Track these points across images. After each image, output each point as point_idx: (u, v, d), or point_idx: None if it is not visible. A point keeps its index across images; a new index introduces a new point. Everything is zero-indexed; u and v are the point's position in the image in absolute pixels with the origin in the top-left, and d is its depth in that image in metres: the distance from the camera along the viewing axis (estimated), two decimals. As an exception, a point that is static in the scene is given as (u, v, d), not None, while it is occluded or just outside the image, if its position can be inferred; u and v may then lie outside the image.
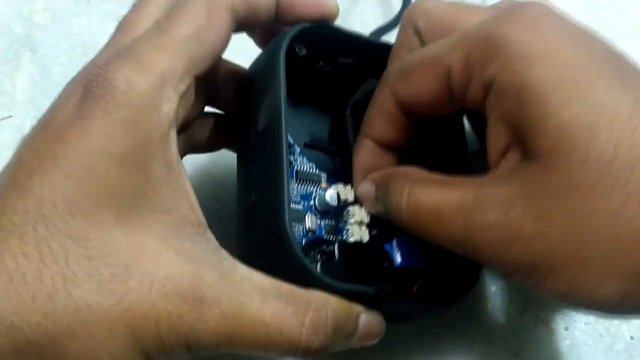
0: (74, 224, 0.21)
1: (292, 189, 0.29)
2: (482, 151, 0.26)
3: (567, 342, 0.34)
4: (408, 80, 0.27)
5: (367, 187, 0.28)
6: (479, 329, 0.34)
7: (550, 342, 0.34)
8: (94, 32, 0.40)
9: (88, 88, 0.23)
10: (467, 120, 0.32)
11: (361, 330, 0.26)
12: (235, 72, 0.31)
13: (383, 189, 0.27)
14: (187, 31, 0.24)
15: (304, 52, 0.29)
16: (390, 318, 0.27)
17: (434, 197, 0.25)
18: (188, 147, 0.30)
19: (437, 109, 0.27)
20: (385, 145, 0.29)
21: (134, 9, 0.26)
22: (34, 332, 0.20)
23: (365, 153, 0.29)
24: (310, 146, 0.31)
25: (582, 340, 0.34)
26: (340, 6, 0.30)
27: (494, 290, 0.35)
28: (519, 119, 0.23)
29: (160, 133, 0.23)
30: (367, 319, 0.26)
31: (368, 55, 0.31)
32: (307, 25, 0.28)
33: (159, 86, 0.23)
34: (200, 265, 0.23)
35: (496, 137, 0.24)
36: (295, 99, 0.30)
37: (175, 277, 0.22)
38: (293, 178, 0.29)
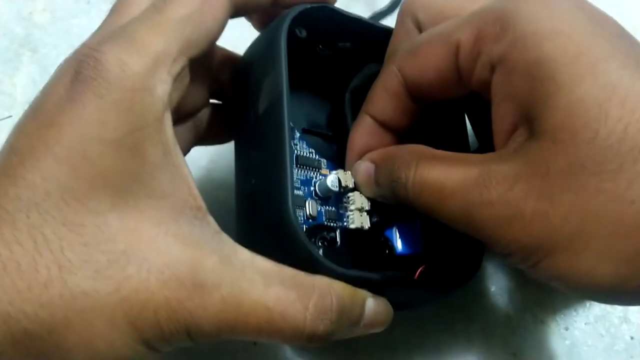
0: (68, 210, 0.21)
1: (294, 174, 0.28)
2: (482, 150, 0.26)
3: (567, 342, 0.34)
4: (416, 56, 0.26)
5: (365, 166, 0.27)
6: (479, 328, 0.34)
7: (550, 342, 0.34)
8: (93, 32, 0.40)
9: (79, 69, 0.22)
10: (468, 120, 0.32)
11: (367, 317, 0.25)
12: (230, 58, 0.31)
13: (388, 167, 0.26)
14: (183, 13, 0.24)
15: (304, 34, 0.29)
16: (394, 305, 0.27)
17: (439, 173, 0.24)
18: (196, 137, 0.30)
19: (443, 89, 0.27)
20: (385, 125, 0.28)
21: None
22: (31, 323, 0.20)
23: (364, 130, 0.28)
24: (308, 132, 0.31)
25: (582, 340, 0.34)
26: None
27: (493, 290, 0.35)
28: (529, 95, 0.22)
29: (155, 116, 0.23)
30: (373, 305, 0.25)
31: (368, 39, 0.30)
32: (308, 6, 0.28)
33: (153, 68, 0.23)
34: (199, 249, 0.22)
35: (502, 117, 0.24)
36: (294, 83, 0.29)
37: (173, 262, 0.21)
38: (293, 163, 0.28)
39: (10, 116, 0.37)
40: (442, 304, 0.34)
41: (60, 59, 0.39)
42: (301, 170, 0.29)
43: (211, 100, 0.31)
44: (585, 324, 0.35)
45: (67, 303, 0.20)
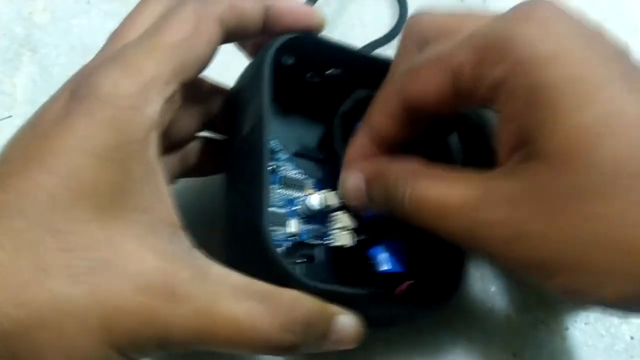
0: (53, 218, 0.22)
1: (277, 193, 0.29)
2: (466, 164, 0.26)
3: (567, 342, 0.34)
4: (415, 77, 0.27)
5: (355, 178, 0.28)
6: (479, 329, 0.34)
7: (550, 342, 0.34)
8: (94, 32, 0.40)
9: (75, 90, 0.24)
10: (458, 137, 0.32)
11: (337, 333, 0.25)
12: (218, 89, 0.32)
13: (382, 181, 0.27)
14: (175, 38, 0.25)
15: (290, 62, 0.30)
16: (370, 322, 0.27)
17: (438, 192, 0.25)
18: (183, 169, 0.31)
19: (441, 109, 0.27)
20: (382, 142, 0.29)
21: (124, 23, 0.27)
22: (7, 322, 0.20)
23: (360, 146, 0.29)
24: (300, 155, 0.32)
25: (582, 340, 0.34)
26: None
27: (493, 290, 0.35)
28: (528, 120, 0.23)
29: (142, 134, 0.24)
30: (344, 322, 0.26)
31: (356, 66, 0.32)
32: (293, 35, 0.29)
33: (144, 89, 0.24)
34: (174, 263, 0.23)
35: (506, 135, 0.24)
36: (286, 109, 0.32)
37: (149, 272, 0.22)
38: (278, 183, 0.30)
39: (10, 116, 0.37)
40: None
41: (61, 59, 0.40)
42: (286, 190, 0.30)
43: (201, 134, 0.32)
44: (586, 324, 0.35)
45: (43, 304, 0.21)
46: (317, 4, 0.40)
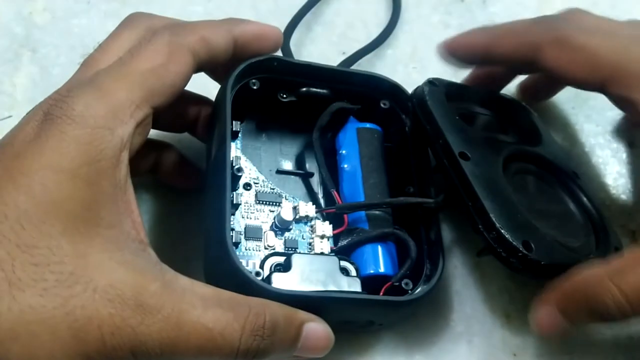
0: (23, 233, 0.23)
1: (253, 208, 0.31)
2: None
3: (567, 342, 0.34)
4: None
5: (544, 311, 0.29)
6: (479, 329, 0.34)
7: (550, 342, 0.34)
8: (94, 32, 0.40)
9: (48, 111, 0.25)
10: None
11: (305, 339, 0.26)
12: (201, 100, 0.34)
13: (578, 297, 0.28)
14: (147, 66, 0.27)
15: (257, 85, 0.32)
16: (345, 326, 0.29)
17: None
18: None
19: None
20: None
21: (99, 49, 0.28)
22: None
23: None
24: (281, 172, 0.34)
25: (582, 340, 0.34)
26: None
27: (494, 290, 0.35)
28: None
29: (112, 153, 0.25)
30: (312, 328, 0.26)
31: (327, 81, 0.33)
32: (253, 60, 0.31)
33: (116, 111, 0.25)
34: (143, 275, 0.24)
35: None
36: (265, 127, 0.34)
37: (118, 284, 0.23)
38: (254, 199, 0.32)
39: (10, 116, 0.37)
40: (442, 303, 0.34)
41: (61, 59, 0.40)
42: (262, 206, 0.32)
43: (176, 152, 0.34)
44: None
45: (15, 316, 0.22)
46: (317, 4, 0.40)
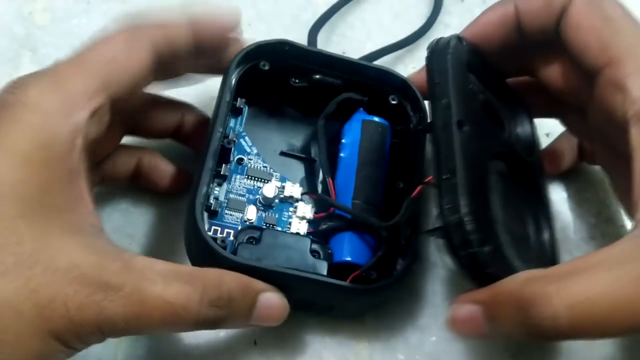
0: None
1: (242, 183, 0.33)
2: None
3: (564, 343, 0.34)
4: None
5: (468, 307, 0.26)
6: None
7: (548, 343, 0.34)
8: (93, 32, 0.40)
9: (4, 99, 0.25)
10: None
11: (260, 308, 0.27)
12: (183, 107, 0.35)
13: (510, 302, 0.24)
14: (105, 56, 0.27)
15: (267, 67, 0.33)
16: (303, 305, 0.30)
17: (602, 284, 0.22)
18: (100, 178, 0.32)
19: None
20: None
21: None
22: None
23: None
24: (285, 154, 0.35)
25: (581, 341, 0.34)
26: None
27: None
28: None
29: (67, 139, 0.25)
30: (267, 298, 0.28)
31: (340, 70, 0.34)
32: (262, 42, 0.33)
33: (71, 99, 0.26)
34: (102, 256, 0.24)
35: None
36: (277, 111, 0.35)
37: (80, 264, 0.23)
38: (245, 174, 0.33)
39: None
40: (443, 304, 0.34)
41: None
42: (250, 181, 0.33)
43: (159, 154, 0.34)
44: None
45: None
46: None
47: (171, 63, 0.30)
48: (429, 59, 0.30)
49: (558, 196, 0.38)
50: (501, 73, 0.34)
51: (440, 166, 0.26)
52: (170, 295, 0.25)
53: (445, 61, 0.29)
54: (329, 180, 0.33)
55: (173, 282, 0.25)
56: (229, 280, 0.27)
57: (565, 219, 0.38)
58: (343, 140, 0.34)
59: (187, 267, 0.26)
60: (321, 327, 0.33)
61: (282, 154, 0.35)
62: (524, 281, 0.24)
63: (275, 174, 0.34)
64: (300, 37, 0.36)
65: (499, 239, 0.26)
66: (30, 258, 0.23)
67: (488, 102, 0.31)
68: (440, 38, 0.30)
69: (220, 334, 0.33)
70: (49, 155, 0.25)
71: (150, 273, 0.25)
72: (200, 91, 0.38)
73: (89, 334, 0.24)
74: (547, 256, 0.31)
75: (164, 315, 0.24)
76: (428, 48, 0.30)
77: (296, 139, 0.35)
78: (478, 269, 0.25)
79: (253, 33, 0.42)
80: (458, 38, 0.30)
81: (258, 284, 0.28)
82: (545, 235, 0.32)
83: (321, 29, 0.38)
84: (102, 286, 0.23)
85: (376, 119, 0.34)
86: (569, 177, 0.38)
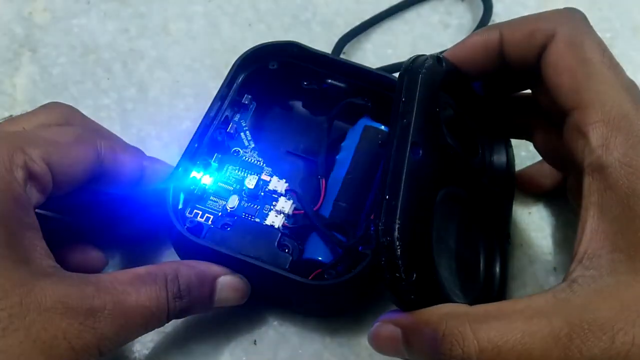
0: None
1: (233, 173, 0.34)
2: None
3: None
4: None
5: (390, 328, 0.26)
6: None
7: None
8: (94, 32, 0.40)
9: None
10: None
11: (219, 291, 0.29)
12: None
13: (426, 334, 0.24)
14: (52, 138, 0.28)
15: (275, 66, 0.35)
16: (265, 295, 0.32)
17: (514, 335, 0.22)
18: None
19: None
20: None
21: (10, 120, 0.30)
22: None
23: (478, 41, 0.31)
24: (292, 153, 0.36)
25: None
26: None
27: (494, 290, 0.35)
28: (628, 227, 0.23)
29: (12, 196, 0.26)
30: (224, 282, 0.30)
31: (344, 75, 0.35)
32: (269, 43, 0.35)
33: (11, 156, 0.26)
34: (75, 286, 0.26)
35: (594, 232, 0.24)
36: (282, 111, 0.37)
37: (63, 299, 0.25)
38: (238, 165, 0.35)
39: (11, 116, 0.37)
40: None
41: (61, 59, 0.40)
42: (241, 172, 0.34)
43: None
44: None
45: None
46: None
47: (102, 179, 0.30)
48: (401, 75, 0.29)
49: (543, 214, 0.37)
50: (483, 97, 0.33)
51: (384, 185, 0.26)
52: (144, 299, 0.27)
53: (415, 81, 0.28)
54: (322, 181, 0.34)
55: (141, 287, 0.27)
56: (185, 270, 0.28)
57: (553, 239, 0.37)
58: (342, 144, 0.35)
59: (144, 268, 0.28)
60: (321, 328, 0.33)
61: (289, 152, 0.36)
62: (444, 315, 0.24)
63: (267, 168, 0.35)
64: (300, 37, 0.36)
65: (434, 267, 0.26)
66: (21, 307, 0.24)
67: (462, 125, 0.31)
68: (419, 55, 0.29)
69: (221, 333, 0.33)
70: (5, 213, 0.25)
71: (120, 285, 0.27)
72: (200, 91, 0.38)
73: (90, 357, 0.25)
74: (493, 289, 0.31)
75: (145, 319, 0.27)
76: (403, 64, 0.29)
77: (302, 139, 0.36)
78: (400, 294, 0.25)
79: (253, 33, 0.42)
80: (437, 58, 0.29)
81: (214, 269, 0.30)
82: (497, 269, 0.31)
83: (351, 40, 0.40)
84: (89, 311, 0.25)
85: (382, 127, 0.35)
86: (554, 197, 0.38)
